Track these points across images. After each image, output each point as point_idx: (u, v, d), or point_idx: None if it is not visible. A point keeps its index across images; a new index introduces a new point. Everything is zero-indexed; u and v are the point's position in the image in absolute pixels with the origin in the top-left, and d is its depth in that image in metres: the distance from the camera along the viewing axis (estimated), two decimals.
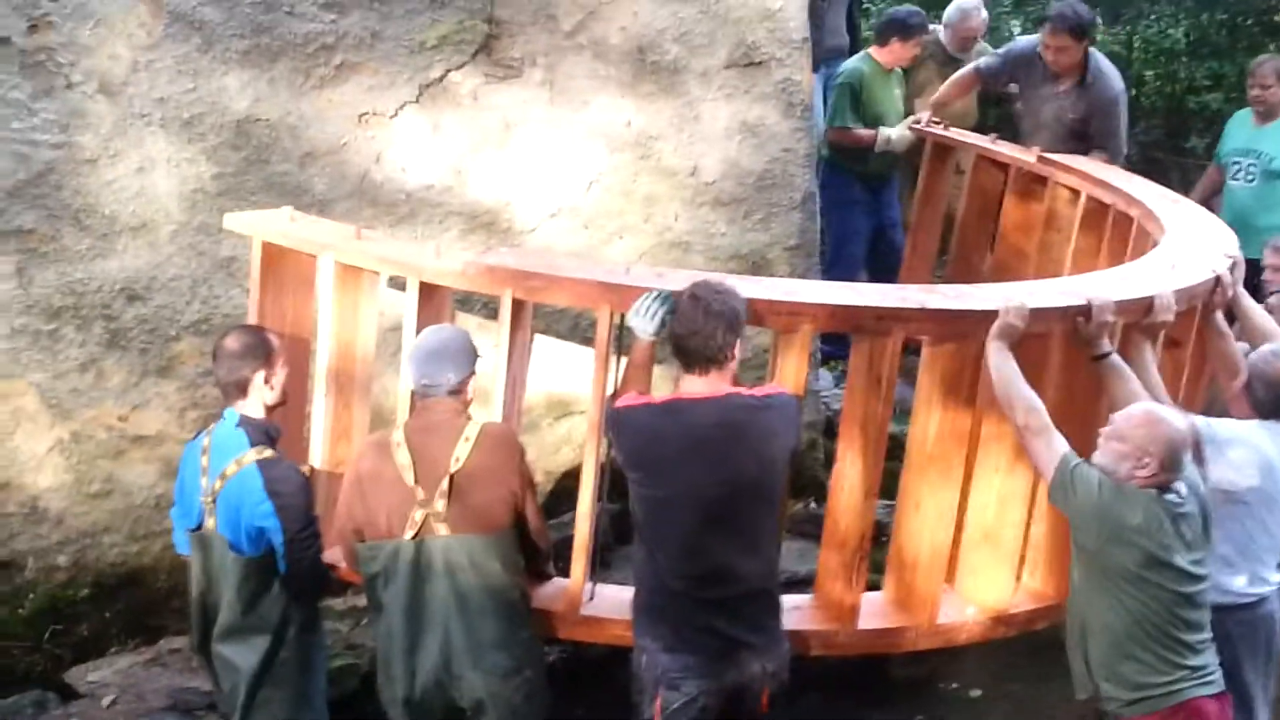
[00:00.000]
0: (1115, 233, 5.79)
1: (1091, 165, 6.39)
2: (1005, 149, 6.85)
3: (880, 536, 4.73)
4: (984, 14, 7.95)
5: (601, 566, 4.61)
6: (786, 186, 6.09)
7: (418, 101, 5.50)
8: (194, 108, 5.21)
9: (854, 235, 7.71)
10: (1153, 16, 10.75)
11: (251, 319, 4.66)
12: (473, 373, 4.12)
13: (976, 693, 5.70)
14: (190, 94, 5.20)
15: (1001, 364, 4.03)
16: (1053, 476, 3.88)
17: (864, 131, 7.45)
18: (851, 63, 7.63)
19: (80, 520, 5.26)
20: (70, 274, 5.13)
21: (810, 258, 6.27)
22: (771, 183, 6.05)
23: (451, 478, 3.97)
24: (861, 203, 7.67)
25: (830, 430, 6.21)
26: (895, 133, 7.41)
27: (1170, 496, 3.80)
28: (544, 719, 4.24)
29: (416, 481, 3.98)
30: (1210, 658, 3.90)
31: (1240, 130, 7.23)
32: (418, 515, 3.97)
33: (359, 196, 5.47)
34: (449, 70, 5.51)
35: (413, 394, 4.23)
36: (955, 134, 7.26)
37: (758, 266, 6.07)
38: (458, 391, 4.08)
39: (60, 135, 5.06)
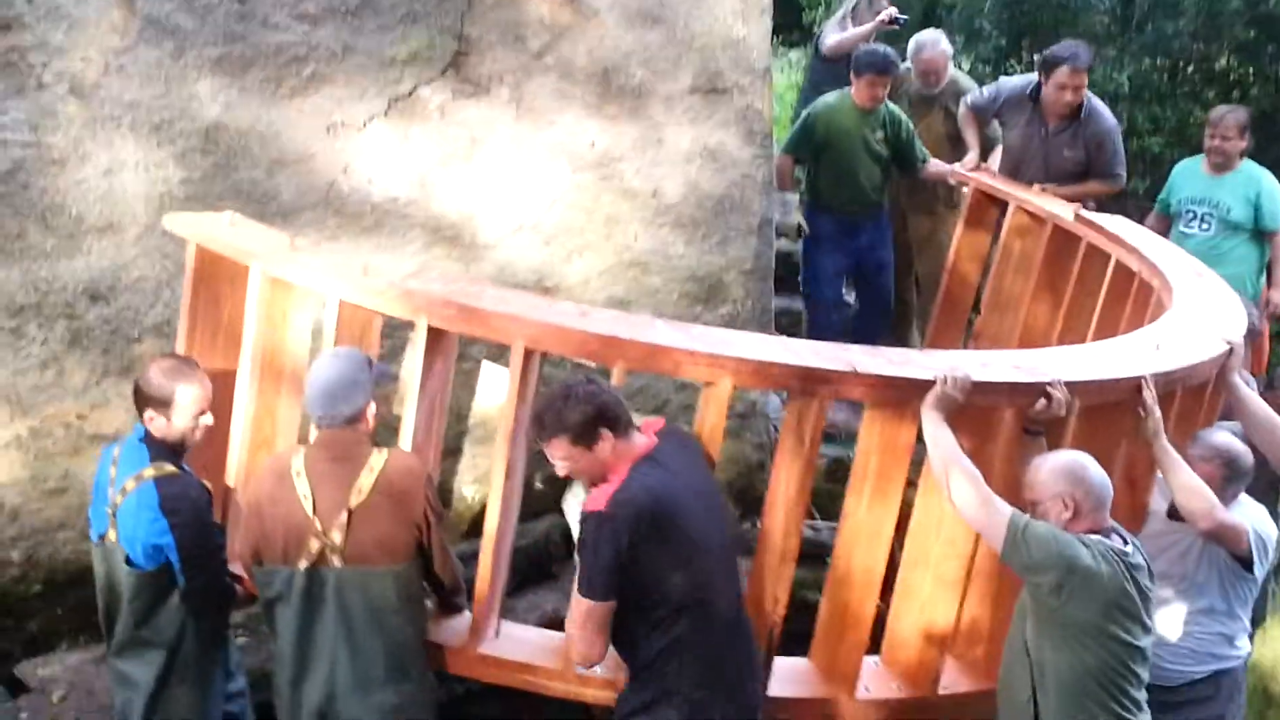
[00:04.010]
0: (1137, 301, 5.66)
1: (1125, 227, 6.24)
2: (1044, 203, 6.69)
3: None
4: (943, 46, 8.00)
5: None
6: (744, 211, 6.22)
7: (386, 114, 5.57)
8: (164, 112, 5.25)
9: (820, 273, 7.75)
10: (1098, 61, 10.99)
11: (182, 322, 4.69)
12: (370, 400, 4.06)
13: None
14: (161, 99, 5.24)
15: (937, 435, 3.93)
16: (1004, 538, 3.78)
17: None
18: (827, 97, 7.66)
19: (35, 516, 5.25)
20: (35, 272, 5.14)
21: (764, 282, 6.39)
22: (730, 207, 6.18)
23: (350, 511, 3.92)
24: (829, 240, 7.67)
25: None
26: None
27: (1117, 544, 3.80)
28: None
29: (314, 512, 3.92)
30: (1148, 717, 3.92)
31: (1192, 179, 7.27)
32: (313, 546, 3.93)
33: (325, 206, 5.53)
34: (418, 85, 5.59)
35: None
36: (1001, 183, 7.13)
37: (713, 288, 6.21)
38: (355, 420, 4.03)
39: (30, 135, 5.07)
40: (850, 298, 8.25)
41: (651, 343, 4.04)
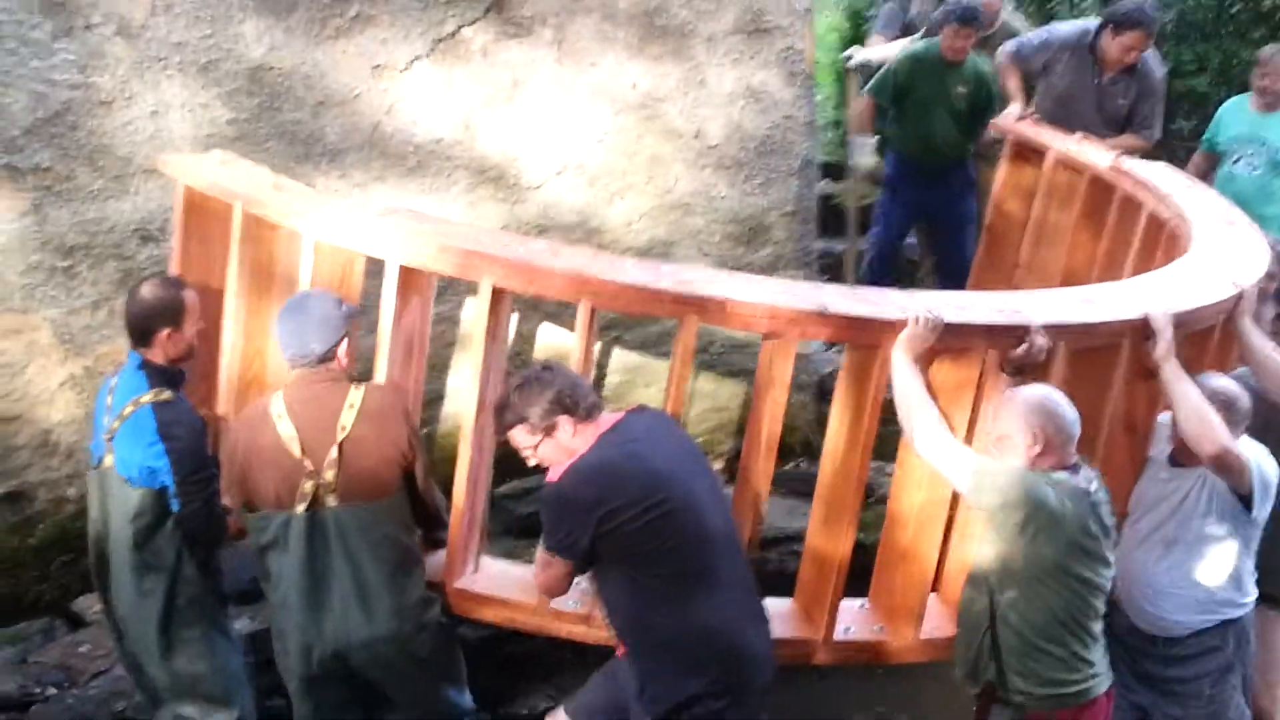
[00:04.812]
0: (1167, 251, 5.52)
1: (1160, 175, 6.13)
2: (1084, 152, 6.58)
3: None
4: None
5: None
6: (786, 153, 6.21)
7: (430, 55, 5.57)
8: (210, 53, 5.27)
9: (885, 214, 7.77)
10: None
11: (173, 266, 4.68)
12: (344, 336, 4.07)
13: None
14: (207, 39, 5.26)
15: (903, 375, 3.92)
16: (969, 481, 3.80)
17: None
18: (917, 45, 7.64)
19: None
20: (85, 213, 5.20)
21: (806, 224, 6.40)
22: (772, 148, 6.18)
23: (340, 447, 3.94)
24: (900, 186, 7.68)
25: (822, 393, 6.36)
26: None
27: (1080, 482, 3.79)
28: (455, 660, 4.28)
29: (304, 453, 3.94)
30: (1103, 648, 3.93)
31: (1240, 118, 7.15)
32: (308, 487, 3.94)
33: (370, 147, 5.55)
34: (461, 26, 5.59)
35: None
36: (1042, 132, 7.01)
37: (755, 230, 6.22)
38: (328, 359, 4.05)
39: (78, 76, 5.11)
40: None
41: (618, 281, 4.02)
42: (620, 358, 6.15)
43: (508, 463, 4.29)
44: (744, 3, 5.97)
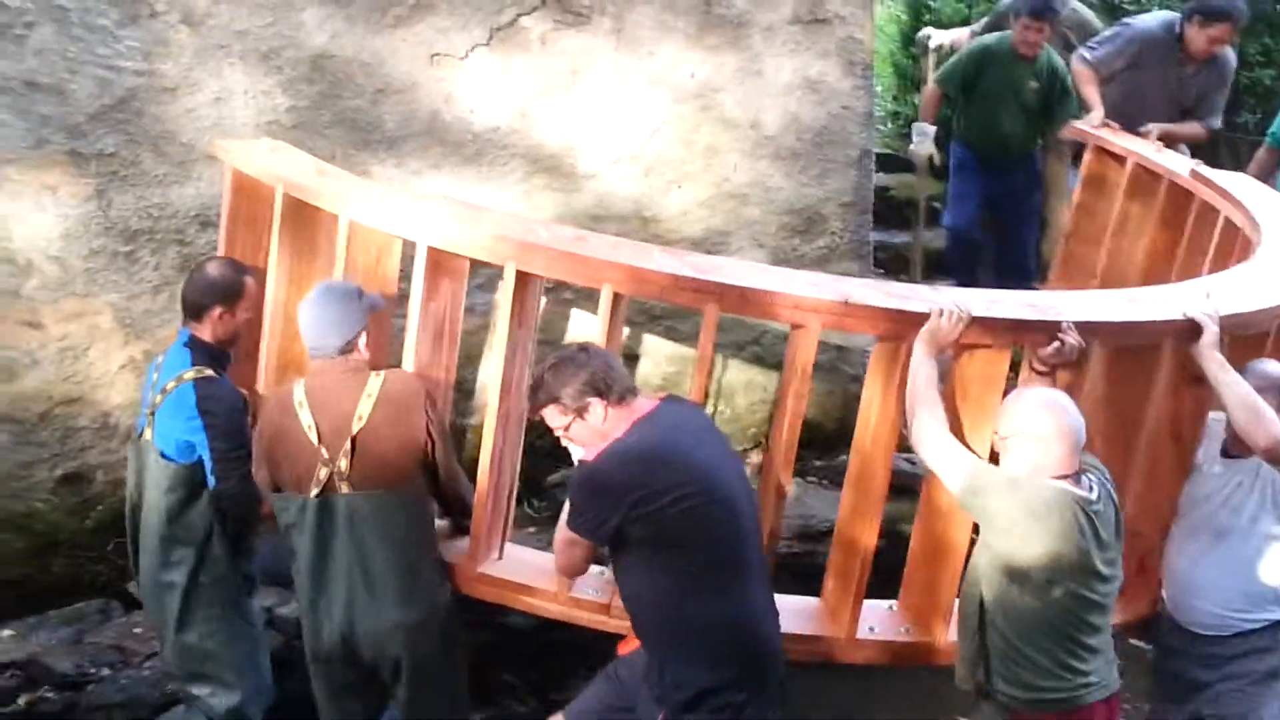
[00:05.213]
0: (1240, 258, 5.34)
1: (1237, 183, 6.03)
2: (1163, 160, 6.50)
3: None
4: None
5: None
6: (844, 143, 6.19)
7: (488, 44, 5.60)
8: (272, 41, 5.32)
9: (959, 196, 7.68)
10: None
11: (221, 248, 4.75)
12: (362, 329, 4.09)
13: None
14: (269, 27, 5.30)
15: (917, 367, 3.87)
16: (964, 482, 3.72)
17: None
18: (989, 36, 7.59)
19: None
20: (148, 198, 5.26)
21: (863, 215, 6.37)
22: (829, 139, 6.16)
23: (354, 437, 3.97)
24: (969, 168, 7.61)
25: None
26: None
27: (1081, 491, 3.67)
28: (459, 667, 4.27)
29: (320, 441, 3.98)
30: (1104, 660, 3.80)
31: None
32: (322, 473, 3.98)
33: (428, 135, 5.58)
34: (520, 14, 5.61)
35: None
36: (1122, 139, 6.89)
37: (811, 221, 6.20)
38: (347, 350, 4.07)
39: (143, 63, 5.16)
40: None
41: (638, 268, 4.01)
42: (673, 348, 6.15)
43: (560, 451, 4.29)
44: None
